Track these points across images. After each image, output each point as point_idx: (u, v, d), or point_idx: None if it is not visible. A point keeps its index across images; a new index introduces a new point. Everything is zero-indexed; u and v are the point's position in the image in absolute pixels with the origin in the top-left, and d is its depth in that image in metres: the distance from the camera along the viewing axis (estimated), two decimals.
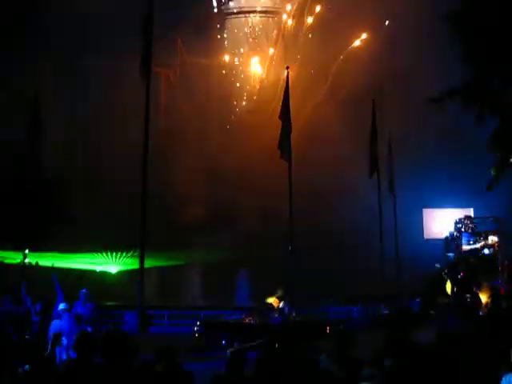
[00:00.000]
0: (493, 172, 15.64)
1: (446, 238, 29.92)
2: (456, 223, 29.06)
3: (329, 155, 39.55)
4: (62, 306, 15.87)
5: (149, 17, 22.88)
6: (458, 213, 32.55)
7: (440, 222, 39.64)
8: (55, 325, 15.63)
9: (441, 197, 36.98)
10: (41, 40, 39.36)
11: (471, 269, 26.60)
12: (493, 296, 23.00)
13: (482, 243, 28.14)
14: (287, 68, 27.38)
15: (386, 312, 28.02)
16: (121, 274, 38.49)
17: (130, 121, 33.61)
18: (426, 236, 41.32)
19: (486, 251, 28.26)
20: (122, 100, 37.68)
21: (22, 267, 26.39)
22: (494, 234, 28.32)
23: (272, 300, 19.43)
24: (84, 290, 17.24)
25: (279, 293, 19.47)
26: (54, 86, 40.50)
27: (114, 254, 39.90)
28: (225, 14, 47.89)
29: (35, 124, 30.61)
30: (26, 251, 27.04)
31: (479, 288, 25.13)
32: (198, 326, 19.98)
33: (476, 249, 27.90)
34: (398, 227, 33.58)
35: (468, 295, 24.61)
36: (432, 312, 25.35)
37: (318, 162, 39.55)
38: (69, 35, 40.17)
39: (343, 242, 38.45)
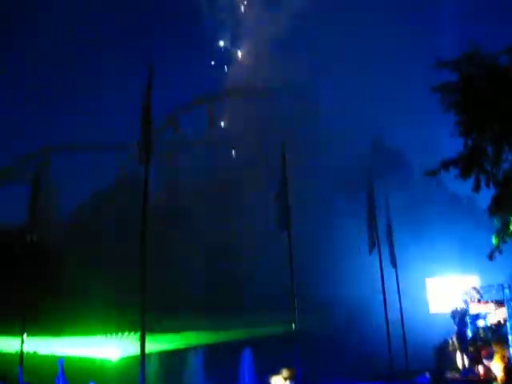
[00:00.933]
0: (494, 241, 15.51)
1: (453, 311, 29.38)
2: (462, 294, 28.61)
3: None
4: None
5: (147, 107, 23.35)
6: (462, 280, 32.20)
7: (445, 292, 39.15)
8: None
9: (444, 265, 36.70)
10: None
11: (482, 340, 26.01)
12: (506, 369, 22.35)
13: (490, 313, 27.67)
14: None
15: None
16: (122, 360, 37.70)
17: None
18: (432, 310, 40.74)
19: (495, 321, 27.73)
20: None
21: (21, 354, 25.75)
22: (500, 304, 27.87)
23: (278, 381, 18.90)
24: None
25: (284, 373, 18.93)
26: None
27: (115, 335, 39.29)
28: None
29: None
30: (25, 336, 26.42)
31: (491, 360, 24.52)
32: None
33: (484, 319, 27.34)
34: (403, 301, 33.25)
35: (480, 368, 23.94)
36: None
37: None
38: None
39: (346, 320, 38.00)
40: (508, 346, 26.11)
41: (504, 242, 15.38)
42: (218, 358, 37.19)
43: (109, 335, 40.23)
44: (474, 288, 27.63)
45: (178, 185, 62.15)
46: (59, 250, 43.06)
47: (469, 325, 25.83)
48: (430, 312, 39.33)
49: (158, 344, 35.93)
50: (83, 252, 42.96)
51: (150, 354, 31.10)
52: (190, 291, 41.64)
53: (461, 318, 27.10)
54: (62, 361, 17.94)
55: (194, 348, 40.71)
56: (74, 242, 45.99)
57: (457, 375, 25.34)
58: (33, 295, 28.61)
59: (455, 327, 28.76)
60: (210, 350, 39.36)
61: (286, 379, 18.69)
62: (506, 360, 22.97)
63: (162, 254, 38.16)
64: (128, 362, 35.46)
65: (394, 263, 32.61)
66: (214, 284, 42.49)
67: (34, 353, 34.16)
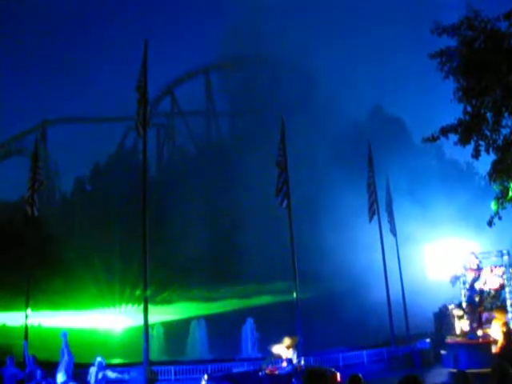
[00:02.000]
0: (493, 207, 15.46)
1: (453, 277, 29.53)
2: (461, 260, 28.73)
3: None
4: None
5: (144, 81, 23.28)
6: (461, 247, 32.28)
7: (444, 258, 39.30)
8: None
9: (444, 232, 36.67)
10: None
11: (481, 305, 26.24)
12: (505, 333, 22.58)
13: (488, 279, 27.85)
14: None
15: (397, 354, 27.58)
16: (126, 331, 38.06)
17: None
18: (430, 276, 40.90)
19: (494, 286, 27.95)
20: None
21: (25, 328, 26.01)
22: (499, 270, 28.06)
23: (280, 349, 19.06)
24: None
25: (286, 342, 19.08)
26: None
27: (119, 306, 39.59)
28: None
29: None
30: (29, 310, 26.67)
31: (490, 324, 24.81)
32: (205, 379, 19.53)
33: (481, 287, 27.53)
34: (402, 267, 33.53)
35: (480, 332, 24.17)
36: (443, 351, 24.92)
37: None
38: None
39: (346, 289, 38.25)
40: (506, 311, 26.43)
41: (503, 208, 15.33)
42: (220, 328, 37.57)
43: (112, 307, 40.60)
44: (473, 253, 27.69)
45: (175, 156, 62.10)
46: (59, 223, 43.17)
47: (469, 290, 25.95)
48: (429, 278, 39.43)
49: (160, 315, 36.22)
50: (83, 225, 43.07)
51: (153, 325, 31.49)
52: (191, 262, 41.84)
53: (459, 283, 27.24)
54: (65, 333, 17.97)
55: (197, 318, 41.10)
56: (75, 216, 46.07)
57: (457, 339, 25.54)
58: (35, 269, 28.84)
59: (456, 292, 28.96)
60: (212, 320, 39.76)
61: (288, 347, 18.84)
62: (505, 325, 23.20)
63: (163, 226, 38.25)
64: (131, 333, 35.87)
65: (393, 231, 32.76)
66: (214, 255, 42.68)
67: (39, 326, 34.51)
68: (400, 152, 43.89)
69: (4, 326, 36.90)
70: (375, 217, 31.70)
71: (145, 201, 23.34)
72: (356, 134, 44.99)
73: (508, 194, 14.89)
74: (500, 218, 15.46)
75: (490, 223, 15.57)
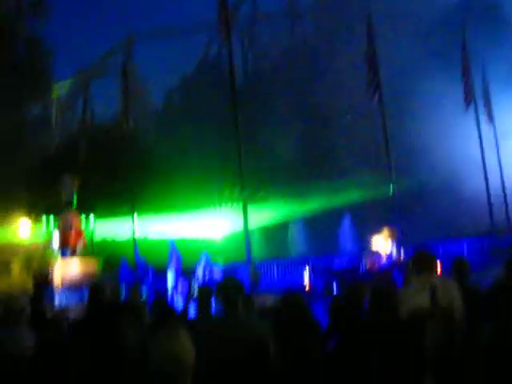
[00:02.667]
0: None
1: None
2: None
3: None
4: None
5: None
6: None
7: None
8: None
9: None
10: None
11: None
12: None
13: None
14: None
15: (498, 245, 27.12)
16: (226, 238, 39.27)
17: None
18: None
19: None
20: None
21: (133, 236, 27.60)
22: None
23: (379, 241, 19.23)
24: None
25: (386, 232, 19.16)
26: None
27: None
28: None
29: None
30: (135, 220, 28.17)
31: None
32: (307, 271, 20.19)
33: None
34: (501, 162, 32.39)
35: None
36: None
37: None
38: None
39: (440, 183, 37.49)
40: None
41: None
42: (317, 228, 38.15)
43: (212, 211, 41.87)
44: None
45: (261, 60, 61.21)
46: (155, 136, 44.41)
47: None
48: None
49: (258, 219, 37.10)
50: (178, 137, 44.05)
51: (251, 231, 32.37)
52: (285, 162, 42.09)
53: None
54: (173, 241, 19.04)
55: (294, 220, 41.86)
56: (169, 128, 47.17)
57: None
58: (137, 180, 30.13)
59: None
60: (309, 221, 40.37)
61: (387, 238, 18.93)
62: None
63: (254, 129, 38.46)
64: (231, 240, 37.18)
65: (490, 118, 31.30)
66: (306, 155, 42.61)
67: (145, 238, 36.28)
68: (497, 41, 41.11)
69: (114, 240, 39.07)
70: (471, 108, 30.51)
71: (235, 106, 23.60)
72: (449, 23, 42.39)
73: None
74: None
75: None
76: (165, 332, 3.23)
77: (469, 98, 30.01)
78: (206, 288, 6.95)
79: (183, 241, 33.82)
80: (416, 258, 6.17)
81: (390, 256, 18.85)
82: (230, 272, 20.27)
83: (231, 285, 4.94)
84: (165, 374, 3.08)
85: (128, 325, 5.78)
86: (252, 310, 6.20)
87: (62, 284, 19.07)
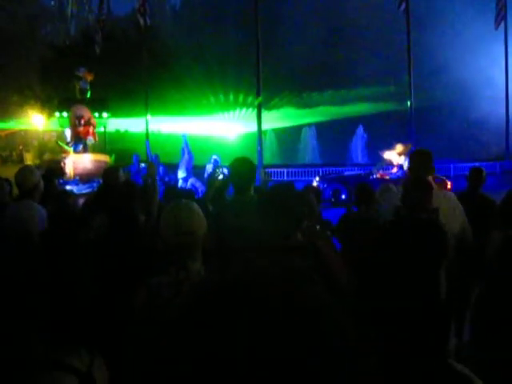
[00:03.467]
0: None
1: None
2: None
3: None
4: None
5: None
6: None
7: None
8: None
9: None
10: None
11: None
12: None
13: None
14: None
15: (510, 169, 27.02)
16: (239, 137, 39.17)
17: None
18: None
19: None
20: None
21: (146, 132, 27.61)
22: None
23: (391, 155, 19.15)
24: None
25: (399, 148, 19.07)
26: None
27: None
28: None
29: None
30: (149, 117, 28.08)
31: None
32: (317, 181, 20.25)
33: None
34: None
35: None
36: None
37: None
38: None
39: (460, 102, 36.86)
40: None
41: None
42: (330, 136, 37.91)
43: (226, 113, 41.62)
44: None
45: None
46: (173, 33, 43.46)
47: None
48: None
49: (272, 122, 36.89)
50: (196, 35, 43.05)
51: (265, 132, 32.26)
52: (301, 67, 41.21)
53: None
54: (185, 135, 18.94)
55: (308, 125, 41.55)
56: (187, 26, 46.02)
57: None
58: (153, 78, 29.79)
59: None
60: (322, 128, 40.08)
61: (399, 154, 18.85)
62: None
63: (274, 32, 37.47)
64: (245, 140, 37.13)
65: None
66: (326, 60, 41.57)
67: (158, 132, 36.29)
68: None
69: (127, 132, 39.13)
70: (501, 28, 29.54)
71: (256, 9, 22.97)
72: None
73: None
74: None
75: None
76: (176, 204, 3.18)
77: (500, 18, 28.92)
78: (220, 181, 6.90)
79: (196, 138, 33.93)
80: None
81: (400, 167, 18.79)
82: None
83: (245, 167, 4.87)
84: (174, 245, 3.06)
85: (139, 209, 5.77)
86: None
87: (74, 177, 19.23)
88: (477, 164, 27.15)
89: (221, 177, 5.60)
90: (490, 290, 4.53)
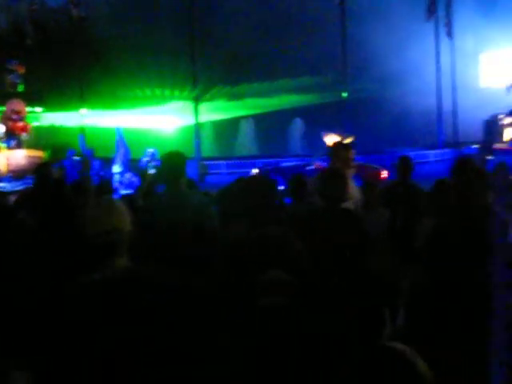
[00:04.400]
0: None
1: (509, 84, 28.77)
2: None
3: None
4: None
5: None
6: None
7: (499, 66, 37.80)
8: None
9: (501, 37, 34.74)
10: None
11: None
12: None
13: None
14: None
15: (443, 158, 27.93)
16: (177, 131, 38.87)
17: None
18: (482, 84, 39.72)
19: None
20: None
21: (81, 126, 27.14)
22: None
23: (332, 137, 19.07)
24: None
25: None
26: None
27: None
28: None
29: None
30: (84, 110, 27.58)
31: None
32: (254, 172, 20.27)
33: None
34: (455, 74, 32.73)
35: None
36: (489, 157, 25.09)
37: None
38: None
39: (395, 92, 37.74)
40: None
41: None
42: (268, 128, 38.09)
43: (163, 106, 41.17)
44: None
45: None
46: (107, 25, 42.57)
47: None
48: (481, 86, 38.28)
49: (210, 114, 36.75)
50: (131, 27, 42.36)
51: (203, 124, 32.12)
52: (239, 58, 41.12)
53: None
54: (119, 129, 18.65)
55: (246, 117, 41.61)
56: (121, 17, 45.19)
57: (505, 146, 25.64)
58: (87, 70, 29.24)
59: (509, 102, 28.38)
60: (260, 120, 40.21)
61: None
62: None
63: (210, 20, 37.23)
64: (183, 133, 36.88)
65: (449, 32, 31.28)
66: (263, 51, 41.56)
67: (95, 126, 35.61)
68: None
69: (62, 126, 38.23)
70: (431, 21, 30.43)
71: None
72: None
73: None
74: None
75: None
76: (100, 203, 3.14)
77: (432, 9, 29.72)
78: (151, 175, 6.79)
79: (133, 131, 33.44)
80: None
81: None
82: None
83: (173, 161, 4.85)
84: (98, 244, 3.01)
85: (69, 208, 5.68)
86: (196, 191, 6.21)
87: (7, 173, 18.69)
88: (411, 153, 28.13)
89: (152, 171, 5.56)
90: (421, 277, 4.67)
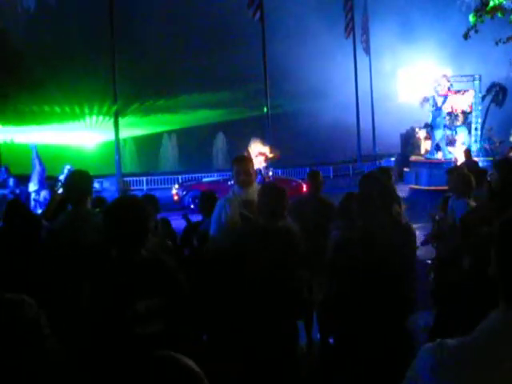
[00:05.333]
0: (471, 19, 15.10)
1: (423, 98, 29.79)
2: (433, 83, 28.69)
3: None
4: None
5: None
6: (434, 70, 32.12)
7: (416, 82, 39.21)
8: None
9: (418, 55, 36.06)
10: None
11: (449, 128, 26.91)
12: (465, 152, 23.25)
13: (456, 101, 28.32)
14: None
15: (362, 170, 28.55)
16: (98, 146, 38.16)
17: None
18: (400, 99, 41.06)
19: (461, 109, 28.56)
20: None
21: None
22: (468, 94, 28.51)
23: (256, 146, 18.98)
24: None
25: (270, 152, 18.98)
26: None
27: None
28: None
29: None
30: None
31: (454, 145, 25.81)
32: (176, 188, 20.11)
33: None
34: (374, 89, 33.74)
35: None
36: (406, 169, 25.86)
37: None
38: None
39: (315, 107, 38.42)
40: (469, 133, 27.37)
41: (482, 21, 14.93)
42: (191, 143, 37.99)
43: (83, 121, 40.33)
44: (445, 76, 27.71)
45: None
46: (25, 39, 41.42)
47: (435, 111, 26.20)
48: (399, 100, 39.60)
49: (131, 129, 36.28)
50: (49, 40, 41.38)
51: (124, 140, 31.70)
52: (159, 72, 40.88)
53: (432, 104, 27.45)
54: (34, 145, 17.97)
55: (168, 132, 41.36)
56: (40, 31, 44.11)
57: (420, 158, 26.48)
58: (3, 85, 28.22)
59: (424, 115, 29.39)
60: (182, 135, 40.04)
61: (267, 159, 18.59)
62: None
63: (130, 36, 36.81)
64: (104, 149, 36.18)
65: (367, 50, 32.34)
66: (182, 66, 41.44)
67: (11, 142, 34.48)
68: None
69: None
70: (351, 37, 31.23)
71: (112, 11, 22.52)
72: None
73: (488, 4, 14.42)
74: (476, 32, 15.17)
75: (466, 36, 15.32)
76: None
77: (349, 29, 30.54)
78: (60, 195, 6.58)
79: (53, 147, 32.48)
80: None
81: (259, 172, 18.94)
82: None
83: (78, 180, 4.75)
84: None
85: None
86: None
87: None
88: (331, 167, 28.81)
89: (61, 190, 5.42)
90: (331, 290, 4.73)
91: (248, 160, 5.71)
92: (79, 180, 4.75)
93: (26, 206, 6.86)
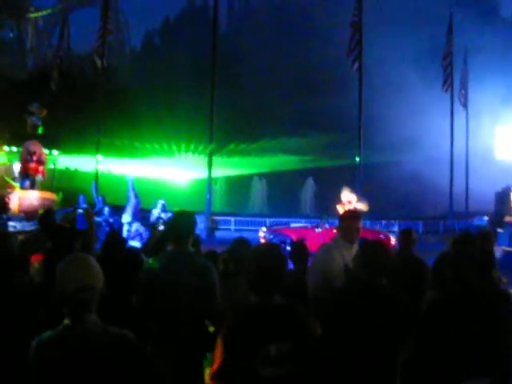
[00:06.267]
0: None
1: None
2: None
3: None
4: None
5: None
6: None
7: None
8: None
9: None
10: None
11: None
12: None
13: None
14: None
15: (453, 228, 27.74)
16: (190, 183, 39.08)
17: None
18: (498, 157, 39.91)
19: None
20: None
21: (96, 172, 27.34)
22: None
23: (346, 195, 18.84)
24: None
25: (361, 206, 18.83)
26: None
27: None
28: None
29: None
30: (99, 157, 27.83)
31: None
32: (263, 231, 20.24)
33: None
34: (470, 145, 32.96)
35: None
36: (500, 230, 24.86)
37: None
38: None
39: (408, 161, 37.95)
40: None
41: None
42: (280, 187, 38.30)
43: (178, 158, 41.59)
44: None
45: (247, 13, 60.13)
46: (129, 75, 43.66)
47: None
48: (496, 158, 38.48)
49: (224, 169, 37.05)
50: (153, 78, 43.36)
51: (216, 179, 32.38)
52: (260, 120, 41.79)
53: None
54: (131, 178, 18.74)
55: (259, 175, 41.93)
56: (144, 69, 46.38)
57: None
58: (105, 118, 29.68)
59: None
60: (273, 178, 40.46)
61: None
62: None
63: (231, 79, 38.05)
64: (196, 186, 37.09)
65: (465, 105, 31.74)
66: (285, 115, 42.21)
67: (109, 172, 35.95)
68: (483, 25, 41.18)
69: (76, 170, 38.66)
70: (448, 92, 30.84)
71: (214, 53, 23.32)
72: (436, 10, 42.23)
73: None
74: None
75: None
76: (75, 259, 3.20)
77: (447, 83, 30.17)
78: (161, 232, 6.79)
79: (147, 181, 33.59)
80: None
81: None
82: None
83: (183, 221, 4.87)
84: (73, 300, 3.07)
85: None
86: (198, 250, 6.22)
87: (19, 213, 18.83)
88: (420, 223, 28.14)
89: (161, 227, 5.59)
90: (419, 351, 4.55)
91: (360, 217, 5.79)
92: (183, 220, 4.83)
93: (125, 240, 7.10)
